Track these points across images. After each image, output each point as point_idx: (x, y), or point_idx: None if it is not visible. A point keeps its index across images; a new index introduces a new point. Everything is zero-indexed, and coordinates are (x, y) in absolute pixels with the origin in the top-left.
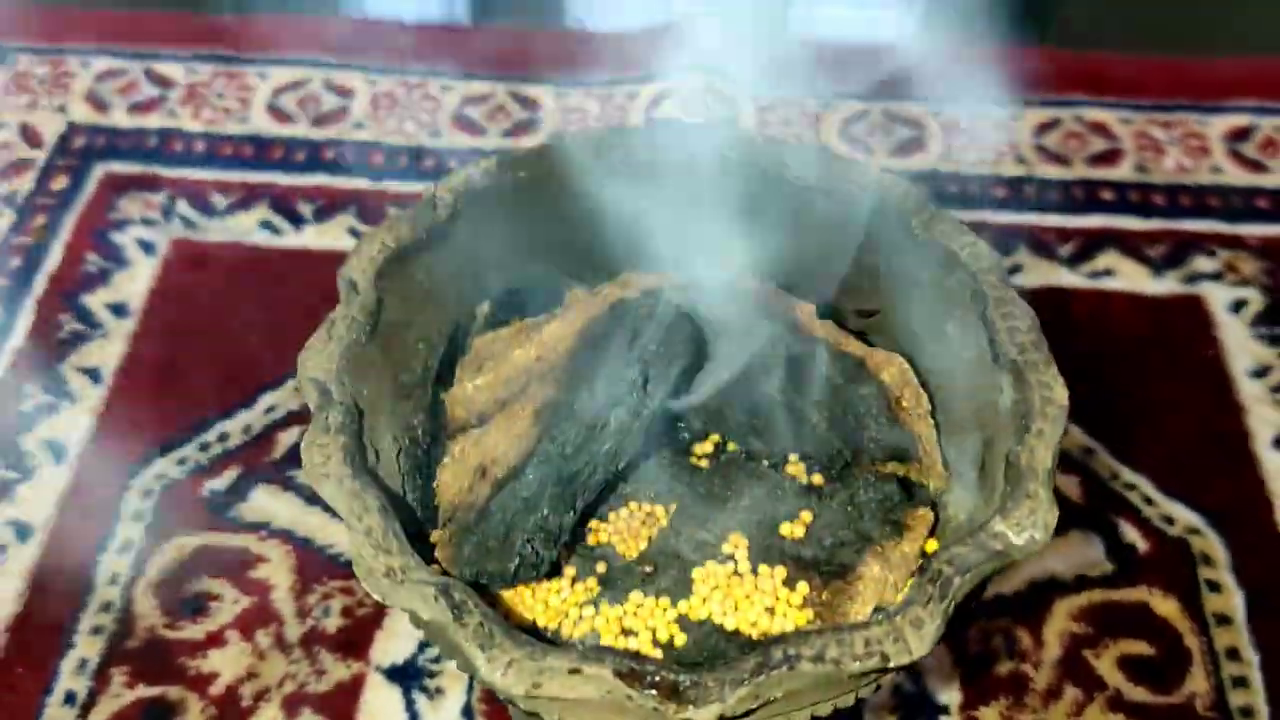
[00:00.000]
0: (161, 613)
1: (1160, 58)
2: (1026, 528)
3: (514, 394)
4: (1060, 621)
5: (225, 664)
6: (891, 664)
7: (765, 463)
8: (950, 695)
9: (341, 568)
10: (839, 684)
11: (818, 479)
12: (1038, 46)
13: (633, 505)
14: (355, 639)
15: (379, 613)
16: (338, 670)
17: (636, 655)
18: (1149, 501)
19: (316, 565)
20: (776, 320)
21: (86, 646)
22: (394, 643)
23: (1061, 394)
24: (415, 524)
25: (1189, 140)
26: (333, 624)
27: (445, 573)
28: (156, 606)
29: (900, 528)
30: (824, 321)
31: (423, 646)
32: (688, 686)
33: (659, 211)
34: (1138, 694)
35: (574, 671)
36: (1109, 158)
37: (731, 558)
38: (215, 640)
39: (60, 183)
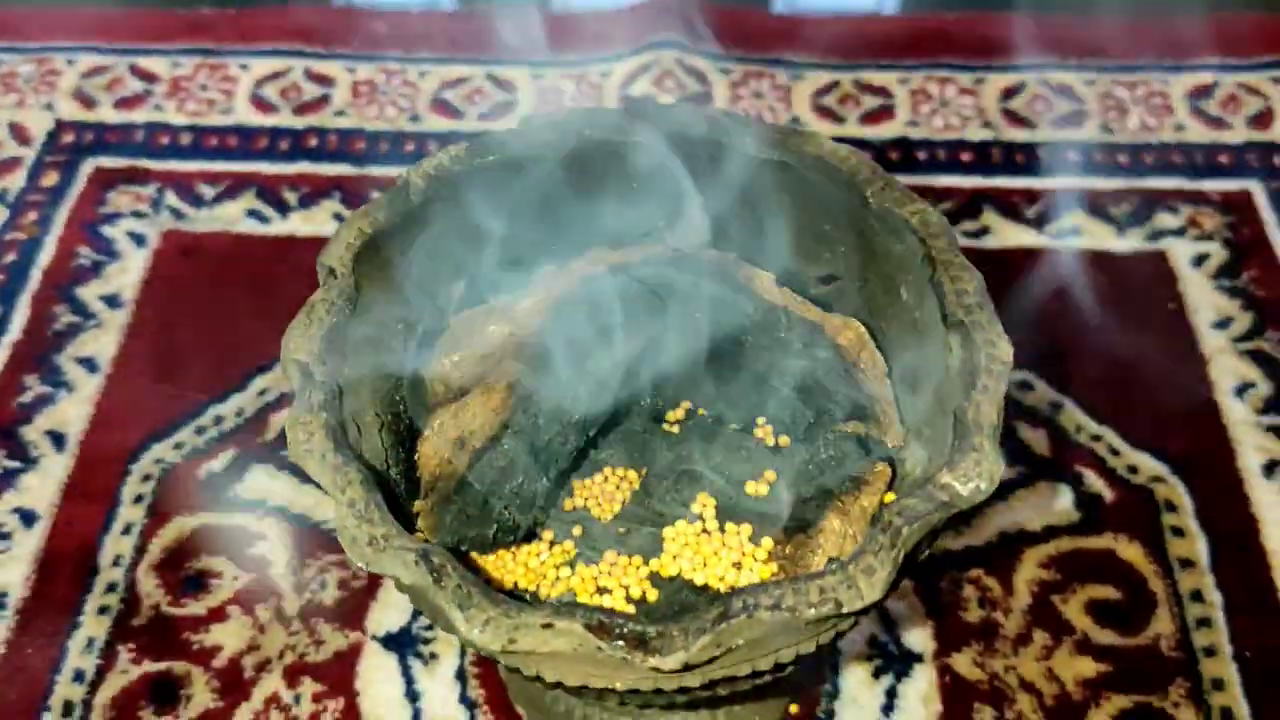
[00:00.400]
0: (164, 591)
1: (1122, 19)
2: (972, 478)
3: (490, 369)
4: (1029, 570)
5: (227, 637)
6: (845, 609)
7: (733, 427)
8: (924, 643)
9: (336, 543)
10: (797, 630)
11: (784, 440)
12: (1001, 12)
13: (607, 470)
14: (351, 610)
15: (373, 585)
16: (335, 640)
17: (607, 610)
18: (1115, 452)
19: (312, 541)
20: (738, 290)
21: (93, 625)
22: (388, 613)
23: (1005, 351)
24: (399, 496)
25: (1152, 99)
26: (329, 596)
27: (428, 541)
28: (159, 585)
29: (859, 483)
30: (783, 289)
31: (416, 615)
32: (654, 637)
33: (623, 188)
34: (1105, 636)
35: (547, 626)
36: (1074, 119)
37: (700, 517)
38: (217, 615)
39: (51, 179)
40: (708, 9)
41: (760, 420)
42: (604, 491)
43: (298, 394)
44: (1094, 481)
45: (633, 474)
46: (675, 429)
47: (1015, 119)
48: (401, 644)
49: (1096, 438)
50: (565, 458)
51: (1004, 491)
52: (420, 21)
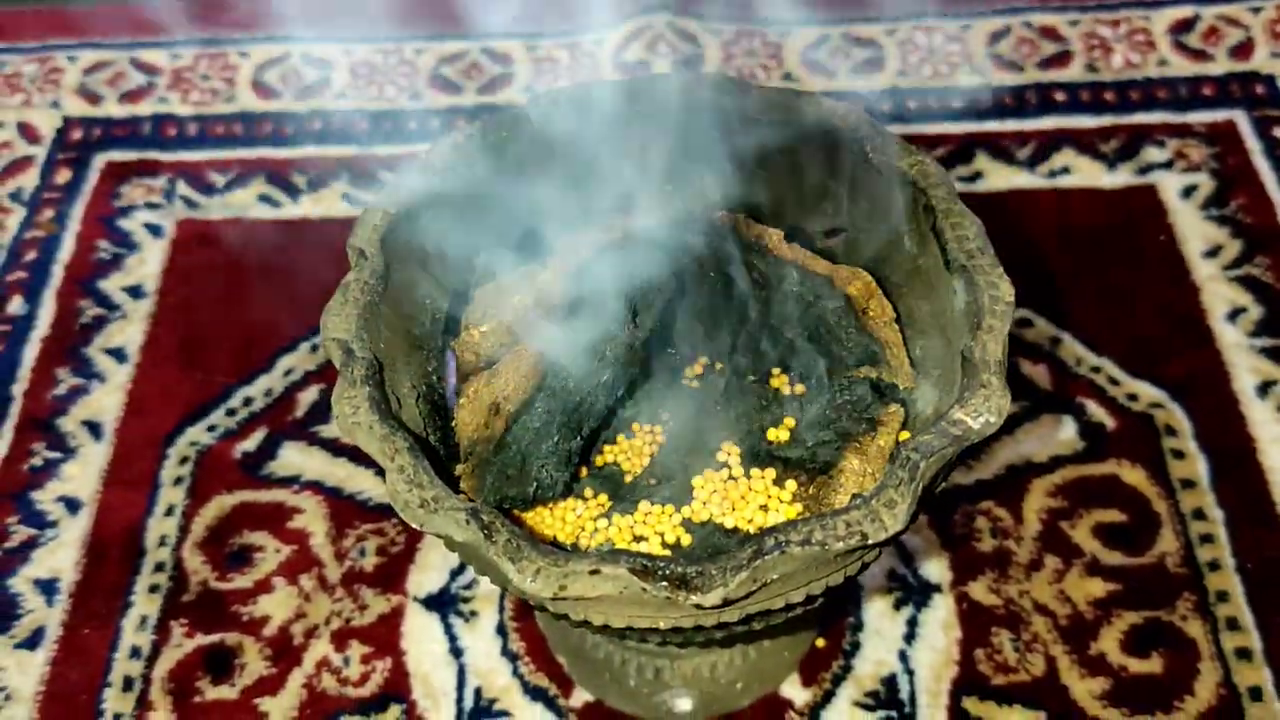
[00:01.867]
0: (211, 567)
1: None
2: (982, 413)
3: (518, 338)
4: (1038, 499)
5: (275, 608)
6: (870, 540)
7: (751, 378)
8: (941, 574)
9: (371, 511)
10: (826, 563)
11: (799, 388)
12: None
13: (635, 426)
14: (391, 574)
15: (410, 549)
16: (378, 604)
17: (648, 554)
18: (1114, 382)
19: (348, 511)
20: (750, 248)
21: (145, 604)
22: (427, 575)
23: (1008, 291)
24: (439, 461)
25: (1135, 36)
26: (369, 563)
27: (474, 501)
28: (205, 562)
29: (875, 424)
30: (792, 245)
31: (453, 575)
32: (694, 576)
33: (633, 157)
34: (1113, 558)
35: (594, 572)
36: (1059, 60)
37: (726, 464)
38: (263, 587)
39: (64, 176)
40: None
41: (775, 371)
42: (633, 447)
43: (340, 371)
44: (1095, 411)
45: (659, 428)
46: (695, 384)
47: (1003, 63)
48: (442, 604)
49: (1096, 369)
50: (596, 416)
51: (1010, 426)
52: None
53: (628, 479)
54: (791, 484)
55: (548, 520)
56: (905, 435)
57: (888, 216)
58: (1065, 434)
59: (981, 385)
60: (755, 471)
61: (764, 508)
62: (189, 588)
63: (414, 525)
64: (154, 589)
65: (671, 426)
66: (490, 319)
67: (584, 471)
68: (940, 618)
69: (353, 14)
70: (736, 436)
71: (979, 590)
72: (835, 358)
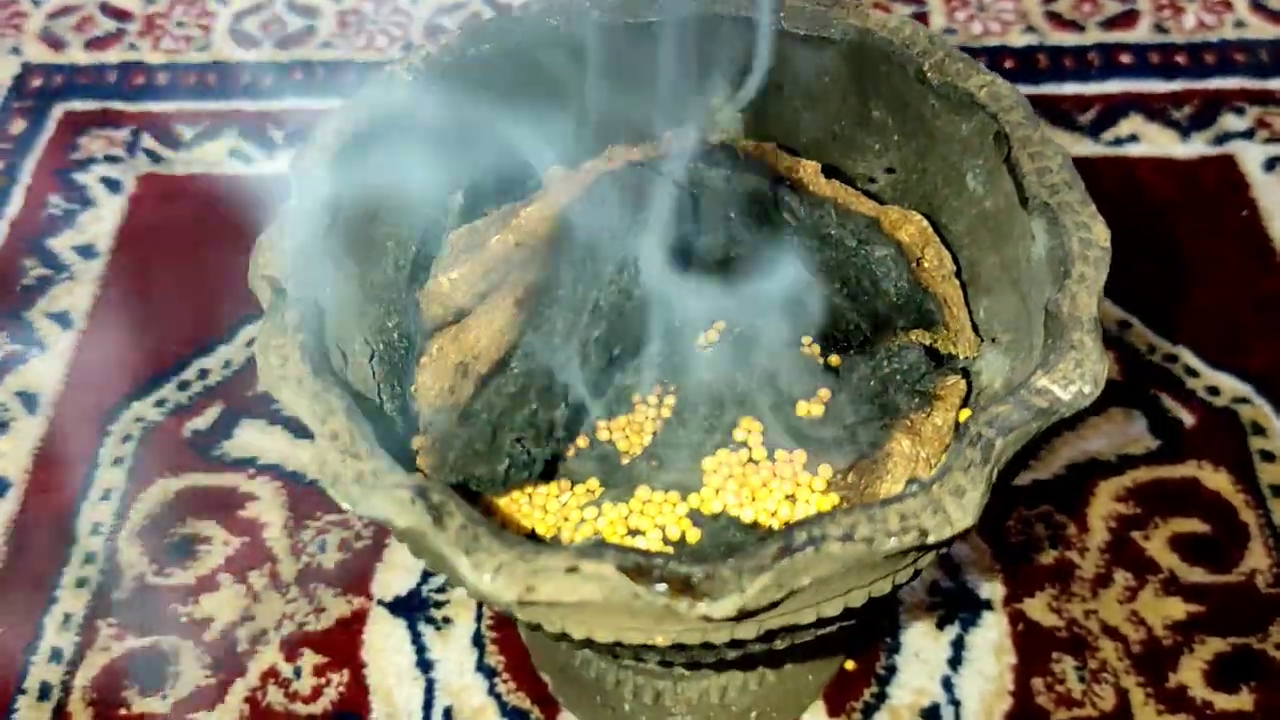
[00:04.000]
0: (149, 560)
1: None
2: (1074, 380)
3: (494, 285)
4: (1105, 504)
5: (219, 608)
6: (931, 539)
7: (778, 342)
8: (993, 589)
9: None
10: (873, 567)
11: (834, 360)
12: None
13: (634, 398)
14: (354, 573)
15: (378, 544)
16: (338, 607)
17: (642, 550)
18: (1192, 372)
19: (309, 500)
20: (778, 182)
21: (71, 600)
22: (395, 575)
23: (1102, 234)
24: (397, 433)
25: None
26: (330, 559)
27: (426, 477)
28: (143, 553)
29: (929, 399)
30: (831, 181)
31: (425, 576)
32: (701, 579)
33: (639, 78)
34: (1194, 574)
35: (572, 570)
36: (1125, 20)
37: (744, 444)
38: (207, 584)
39: (17, 126)
40: None
41: (806, 340)
42: (630, 421)
43: (268, 313)
44: (1171, 405)
45: (665, 401)
46: (709, 352)
47: (1060, 22)
48: (411, 608)
49: (1171, 358)
50: (586, 381)
51: (1073, 419)
52: None
53: (624, 460)
54: (826, 469)
55: (524, 509)
56: (966, 414)
57: (947, 151)
58: (1136, 430)
59: (1071, 346)
60: (781, 453)
61: (791, 498)
62: (122, 583)
63: (345, 505)
64: (82, 583)
65: (678, 397)
66: (463, 263)
67: (570, 451)
68: (991, 640)
69: None
70: (758, 410)
71: (1037, 609)
72: (881, 318)
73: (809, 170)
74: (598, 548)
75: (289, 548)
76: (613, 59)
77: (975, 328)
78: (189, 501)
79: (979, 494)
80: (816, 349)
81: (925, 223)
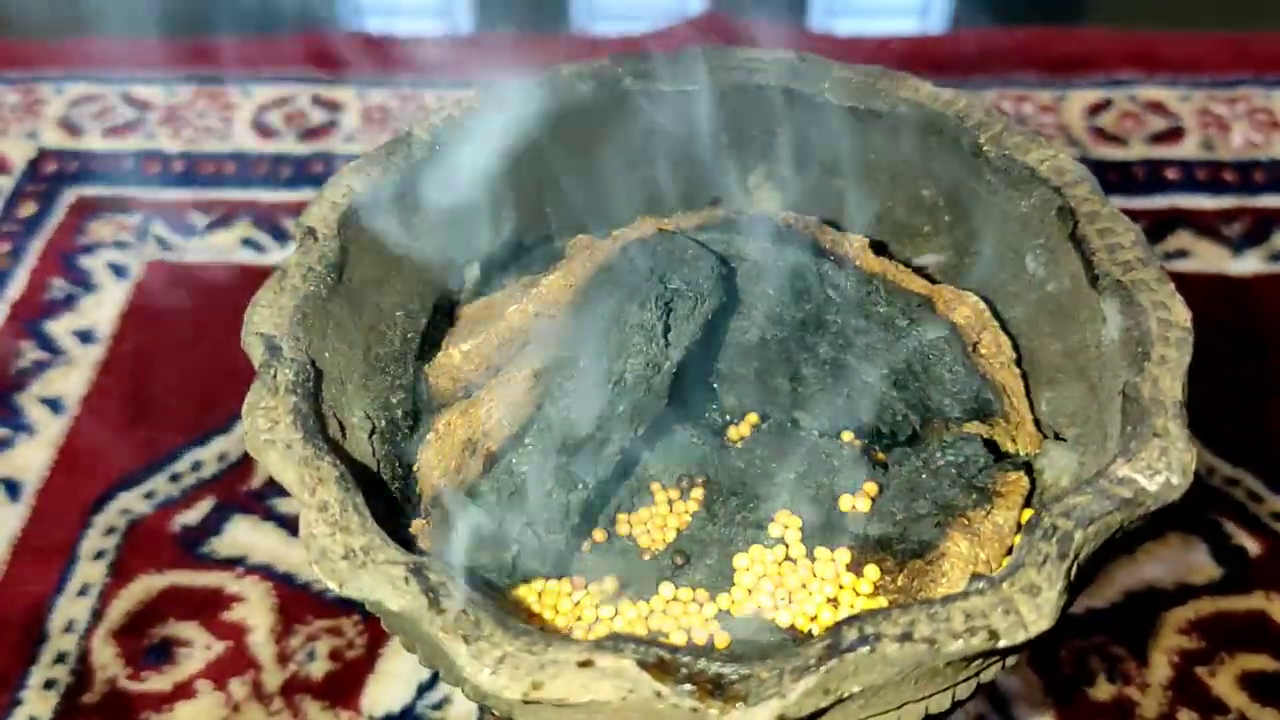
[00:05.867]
0: (123, 662)
1: (1213, 33)
2: (1159, 470)
3: (509, 358)
4: (1167, 637)
5: (194, 719)
6: (1002, 642)
7: (818, 432)
8: None
9: (329, 605)
10: (932, 675)
11: (880, 457)
12: (1072, 27)
13: (655, 487)
14: (344, 685)
15: (371, 655)
16: None
17: (667, 644)
18: (1256, 498)
19: (300, 603)
20: (822, 256)
21: (38, 703)
22: (388, 688)
23: (1183, 314)
24: (399, 514)
25: (1256, 115)
26: (318, 669)
27: (423, 554)
28: (118, 655)
29: (989, 495)
30: (880, 258)
31: (421, 691)
32: (734, 680)
33: (675, 148)
34: (1266, 716)
35: (585, 665)
36: (1170, 136)
37: (781, 540)
38: (183, 691)
39: (28, 209)
40: (745, 29)
41: (848, 436)
42: (653, 514)
43: (260, 373)
44: (1234, 532)
45: (692, 491)
46: (740, 445)
47: (1104, 136)
48: None
49: (1233, 481)
50: (606, 463)
51: (1129, 543)
52: (436, 48)
53: (645, 557)
54: (873, 570)
55: (533, 607)
56: (1029, 514)
57: (1005, 231)
58: (1197, 558)
59: (1155, 434)
60: (822, 551)
61: (833, 601)
62: (93, 686)
63: (331, 585)
64: (50, 684)
65: (708, 489)
66: (477, 335)
67: (586, 546)
68: None
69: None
70: (797, 504)
71: None
72: (932, 407)
73: (856, 245)
74: (614, 640)
75: (275, 655)
76: (644, 127)
77: (1036, 423)
78: (171, 601)
79: (1056, 593)
80: (859, 445)
81: (981, 304)
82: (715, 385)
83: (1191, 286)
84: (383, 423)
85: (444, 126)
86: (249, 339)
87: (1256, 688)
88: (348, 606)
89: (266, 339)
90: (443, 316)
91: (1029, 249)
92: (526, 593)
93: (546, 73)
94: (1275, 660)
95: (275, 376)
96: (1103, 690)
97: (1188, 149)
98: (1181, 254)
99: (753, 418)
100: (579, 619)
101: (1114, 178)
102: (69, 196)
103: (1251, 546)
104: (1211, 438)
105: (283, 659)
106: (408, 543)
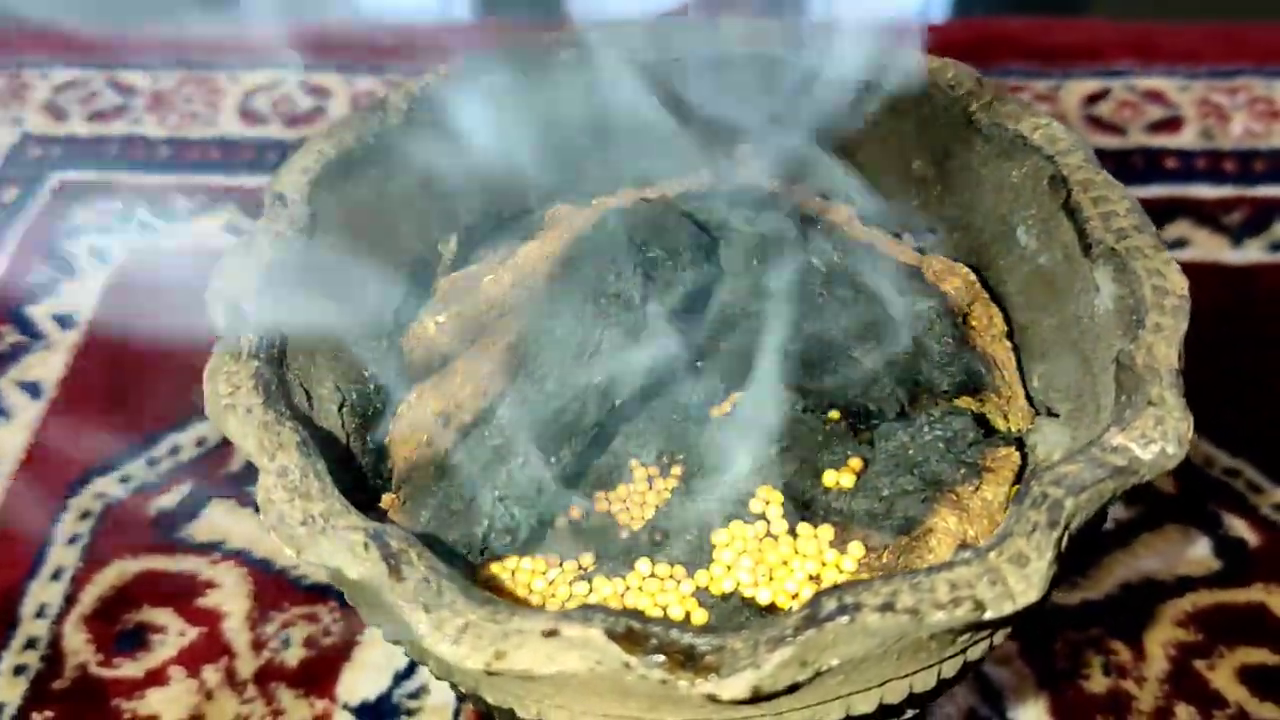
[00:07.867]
0: (95, 648)
1: (1210, 23)
2: (1154, 439)
3: (485, 329)
4: (1164, 629)
5: (166, 706)
6: (988, 614)
7: (799, 407)
8: (1037, 719)
9: (306, 591)
10: (916, 650)
11: (865, 433)
12: (1069, 17)
13: (634, 464)
14: (319, 673)
15: (348, 642)
16: (298, 710)
17: (637, 613)
18: (1256, 489)
19: (276, 589)
20: (809, 226)
21: (6, 689)
22: (364, 676)
23: (1179, 282)
24: (368, 488)
25: (1256, 105)
26: (293, 656)
27: (388, 521)
28: (90, 641)
29: (978, 470)
30: (869, 228)
31: (398, 679)
32: (707, 650)
33: (659, 114)
34: (1266, 711)
35: (551, 634)
36: (1169, 125)
37: (762, 516)
38: (155, 678)
39: (10, 194)
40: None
41: (834, 415)
42: (631, 491)
43: (222, 337)
44: (1234, 524)
45: (672, 468)
46: (722, 416)
47: (1101, 124)
48: (380, 714)
49: (1232, 472)
50: (581, 436)
51: (1125, 535)
52: (430, 33)
53: (622, 534)
54: (857, 547)
55: (505, 584)
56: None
57: (996, 203)
58: (1196, 550)
59: (1150, 402)
60: (804, 528)
61: (815, 578)
62: (64, 672)
63: (289, 551)
64: (20, 670)
65: (686, 464)
66: (452, 306)
67: (561, 522)
68: None
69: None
70: (778, 479)
71: None
72: (922, 380)
73: (843, 214)
74: (583, 610)
75: (249, 641)
76: (626, 92)
77: (1029, 397)
78: (145, 586)
79: (1045, 563)
80: (845, 419)
81: (972, 275)
82: (696, 358)
83: (1191, 276)
84: (354, 396)
85: (420, 94)
86: (212, 302)
87: (1256, 681)
88: (324, 593)
89: (230, 303)
90: (420, 288)
91: (1021, 220)
92: (499, 570)
93: (523, 42)
94: (1275, 654)
95: (238, 340)
96: (1098, 683)
97: (1187, 138)
98: (1181, 243)
99: (735, 393)
100: (552, 596)
101: (1112, 166)
102: (52, 181)
103: (1251, 538)
104: (1211, 428)
105: (257, 646)
106: (379, 519)
